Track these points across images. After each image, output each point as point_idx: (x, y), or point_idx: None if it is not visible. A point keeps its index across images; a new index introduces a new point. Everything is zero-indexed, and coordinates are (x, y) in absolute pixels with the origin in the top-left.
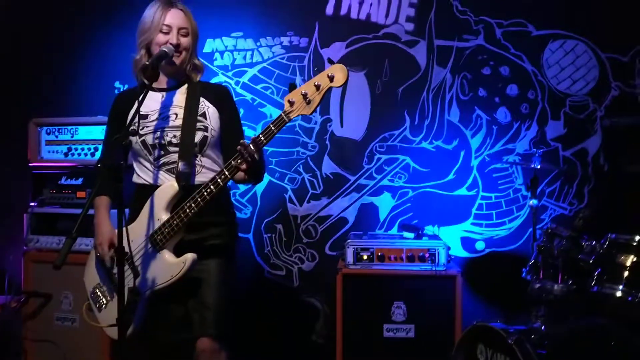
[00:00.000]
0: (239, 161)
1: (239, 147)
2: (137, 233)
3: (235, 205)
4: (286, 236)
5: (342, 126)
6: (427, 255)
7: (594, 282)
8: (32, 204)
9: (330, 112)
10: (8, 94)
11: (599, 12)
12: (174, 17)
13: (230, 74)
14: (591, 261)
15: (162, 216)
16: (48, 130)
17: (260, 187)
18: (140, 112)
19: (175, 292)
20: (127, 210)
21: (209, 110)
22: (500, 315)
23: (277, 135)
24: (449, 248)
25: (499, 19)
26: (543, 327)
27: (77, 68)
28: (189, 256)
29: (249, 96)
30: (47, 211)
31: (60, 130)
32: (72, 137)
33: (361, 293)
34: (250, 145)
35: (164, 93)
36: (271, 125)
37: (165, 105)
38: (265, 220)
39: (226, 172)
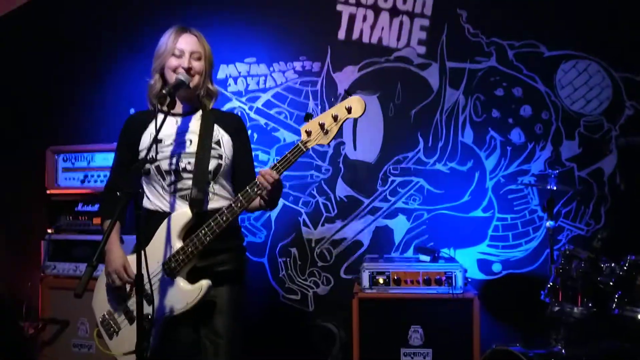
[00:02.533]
0: (255, 190)
1: (258, 176)
2: (150, 260)
3: (250, 229)
4: (301, 260)
5: (355, 149)
6: (443, 278)
7: (614, 305)
8: (49, 230)
9: (343, 135)
10: (26, 122)
11: (611, 31)
12: (187, 42)
13: (244, 99)
14: (611, 283)
15: (176, 243)
16: (65, 158)
17: (274, 211)
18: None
19: (186, 319)
20: (133, 237)
21: (223, 138)
22: (518, 338)
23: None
24: (465, 270)
25: (511, 40)
26: (563, 351)
27: (93, 96)
28: (205, 283)
29: (262, 121)
30: (63, 238)
31: (77, 158)
32: (88, 164)
33: (377, 317)
34: (269, 174)
35: (178, 118)
36: (288, 155)
37: (180, 131)
38: (280, 244)
39: (242, 200)
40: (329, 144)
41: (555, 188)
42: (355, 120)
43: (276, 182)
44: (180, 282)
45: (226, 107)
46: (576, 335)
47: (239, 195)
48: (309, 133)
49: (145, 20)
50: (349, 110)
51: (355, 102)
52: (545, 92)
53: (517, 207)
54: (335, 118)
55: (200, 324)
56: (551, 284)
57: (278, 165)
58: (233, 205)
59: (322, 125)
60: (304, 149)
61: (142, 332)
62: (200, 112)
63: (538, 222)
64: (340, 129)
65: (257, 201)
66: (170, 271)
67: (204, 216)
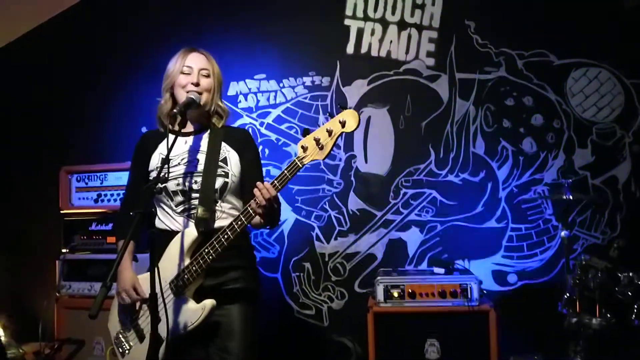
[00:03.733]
0: (254, 206)
1: (255, 190)
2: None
3: (263, 245)
4: (315, 275)
5: (366, 162)
6: (459, 290)
7: (634, 316)
8: (63, 250)
9: (354, 148)
10: (39, 143)
11: (620, 38)
12: (195, 59)
13: (255, 115)
14: (630, 293)
15: (182, 262)
16: (78, 178)
17: (287, 226)
18: (164, 157)
19: (196, 337)
20: (146, 255)
21: (229, 155)
22: (536, 350)
23: (302, 173)
24: (480, 282)
25: (520, 50)
26: None
27: (105, 116)
28: (208, 303)
29: (273, 136)
30: (78, 257)
31: (90, 177)
32: (101, 183)
33: (393, 331)
34: (267, 190)
35: (187, 138)
36: (285, 171)
37: (188, 151)
38: (293, 259)
39: (242, 218)
40: (324, 159)
41: (569, 197)
42: (366, 133)
43: (272, 198)
44: (186, 301)
45: (237, 124)
46: (596, 347)
47: (240, 214)
48: (305, 149)
49: (156, 40)
50: (342, 124)
51: (349, 116)
52: (556, 101)
53: (531, 217)
54: (330, 133)
55: (211, 343)
56: (568, 295)
57: (275, 182)
58: (234, 223)
59: (317, 141)
60: (300, 165)
61: (153, 350)
62: (208, 132)
63: (553, 231)
64: (336, 143)
65: (258, 218)
66: (177, 290)
67: (211, 234)
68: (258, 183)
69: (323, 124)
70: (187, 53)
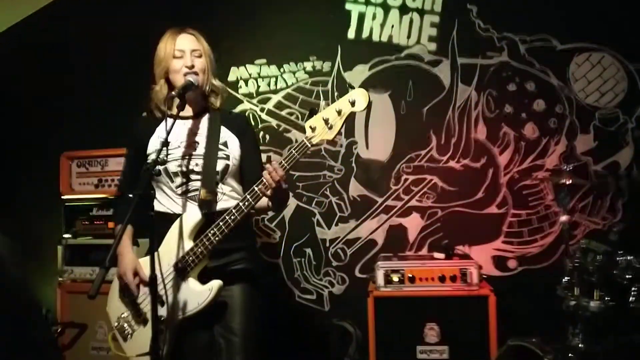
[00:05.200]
0: (262, 187)
1: (264, 172)
2: (161, 262)
3: (264, 230)
4: (315, 260)
5: (367, 148)
6: (458, 275)
7: (632, 298)
8: (65, 235)
9: (355, 134)
10: (40, 129)
11: (623, 23)
12: (185, 41)
13: (255, 101)
14: (628, 277)
15: (186, 244)
16: (79, 163)
17: (287, 212)
18: (163, 140)
19: (200, 319)
20: (147, 240)
21: (230, 139)
22: (535, 334)
23: (303, 159)
24: (480, 267)
25: (523, 34)
26: (581, 345)
27: (105, 101)
28: (215, 283)
29: (274, 122)
30: (80, 242)
31: (91, 163)
32: (102, 169)
33: (393, 315)
34: (275, 171)
35: (186, 121)
36: (293, 151)
37: (188, 134)
38: (294, 245)
39: (249, 199)
40: (333, 140)
41: (570, 182)
42: (367, 119)
43: (281, 179)
44: (192, 283)
45: (237, 109)
46: (594, 330)
47: (247, 194)
48: (313, 129)
49: (154, 25)
50: (352, 103)
51: (359, 95)
52: (558, 86)
53: (532, 203)
54: (339, 112)
55: (215, 323)
56: (567, 278)
57: (283, 161)
58: (241, 204)
59: (326, 121)
60: (309, 145)
61: (156, 333)
62: (207, 115)
63: (553, 217)
64: (345, 123)
65: (264, 201)
66: (181, 272)
67: (214, 217)
68: (267, 165)
69: (325, 104)
70: (175, 35)
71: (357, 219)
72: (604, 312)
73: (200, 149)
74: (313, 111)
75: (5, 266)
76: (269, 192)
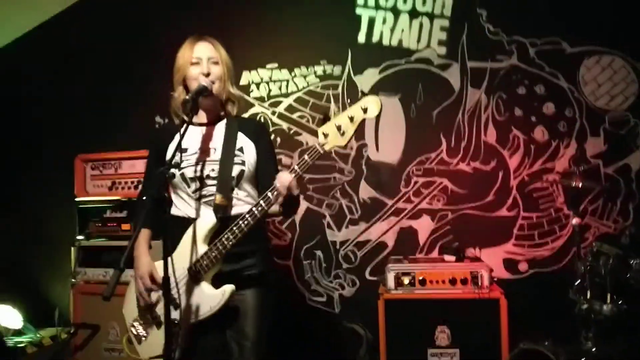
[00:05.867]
0: (274, 193)
1: (275, 181)
2: (176, 265)
3: (274, 232)
4: (326, 262)
5: (377, 151)
6: (469, 278)
7: None
8: (79, 237)
9: (365, 137)
10: (55, 132)
11: (634, 26)
12: (202, 48)
13: (267, 105)
14: None
15: (200, 248)
16: (93, 165)
17: (298, 214)
18: (181, 146)
19: (213, 322)
20: (161, 242)
21: (245, 144)
22: (547, 337)
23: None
24: (491, 270)
25: (532, 38)
26: (593, 349)
27: (120, 104)
28: (228, 287)
29: (285, 125)
30: (93, 244)
31: (105, 165)
32: (115, 171)
33: (404, 318)
34: (283, 178)
35: (203, 127)
36: (306, 157)
37: (204, 140)
38: (305, 247)
39: (262, 204)
40: (345, 146)
41: (580, 185)
42: (377, 122)
43: (292, 187)
44: (205, 287)
45: (249, 113)
46: (607, 333)
47: (260, 199)
48: (326, 135)
49: (167, 28)
50: (364, 110)
51: (371, 102)
52: (568, 89)
53: (543, 206)
54: (351, 119)
55: (228, 327)
56: (579, 281)
57: (297, 167)
58: (254, 209)
59: (338, 127)
60: (321, 151)
61: (170, 336)
62: (224, 121)
63: (564, 220)
64: (357, 129)
65: (277, 206)
66: (195, 276)
67: (228, 221)
68: (278, 175)
69: (335, 112)
70: (193, 43)
71: (367, 222)
72: (617, 315)
73: (217, 155)
74: (326, 117)
75: None
76: (280, 199)
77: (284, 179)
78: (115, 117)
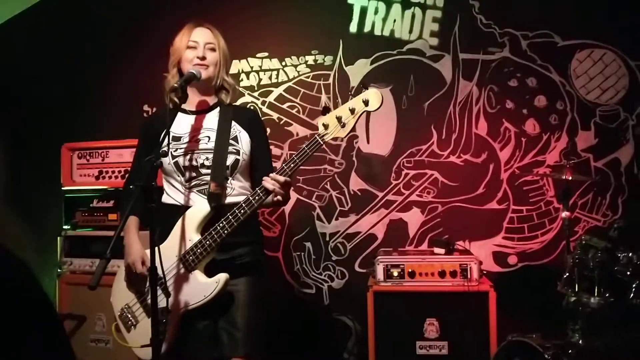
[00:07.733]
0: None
1: (266, 177)
2: (168, 253)
3: (264, 224)
4: (315, 254)
5: (368, 142)
6: (458, 270)
7: (632, 295)
8: (65, 227)
9: (356, 128)
10: (40, 120)
11: (626, 20)
12: (201, 33)
13: (257, 94)
14: (628, 273)
15: (194, 237)
16: (79, 154)
17: (288, 205)
18: (174, 134)
19: (205, 311)
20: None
21: (240, 134)
22: (535, 330)
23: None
24: (481, 263)
25: (524, 30)
26: (581, 341)
27: (106, 93)
28: (222, 276)
29: (275, 115)
30: (80, 234)
31: (91, 154)
32: (102, 160)
33: (393, 310)
34: (277, 176)
35: (196, 115)
36: (306, 147)
37: (198, 128)
38: (294, 238)
39: (260, 194)
40: (344, 138)
41: (570, 178)
42: (368, 114)
43: (285, 182)
44: (198, 276)
45: (239, 103)
46: (594, 326)
47: (257, 189)
48: (326, 126)
49: (158, 16)
50: (366, 103)
51: (373, 95)
52: (559, 82)
53: (533, 199)
54: (352, 111)
55: (219, 316)
56: (567, 274)
57: (295, 158)
58: (251, 198)
59: (339, 119)
60: (321, 142)
61: (158, 324)
62: (218, 109)
63: (554, 213)
64: (357, 122)
65: (272, 196)
66: (188, 264)
67: (222, 210)
68: (278, 168)
69: (325, 103)
70: (192, 27)
71: (358, 213)
72: (604, 308)
73: (211, 144)
74: (326, 109)
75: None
76: (278, 188)
77: (278, 178)
78: (103, 106)
